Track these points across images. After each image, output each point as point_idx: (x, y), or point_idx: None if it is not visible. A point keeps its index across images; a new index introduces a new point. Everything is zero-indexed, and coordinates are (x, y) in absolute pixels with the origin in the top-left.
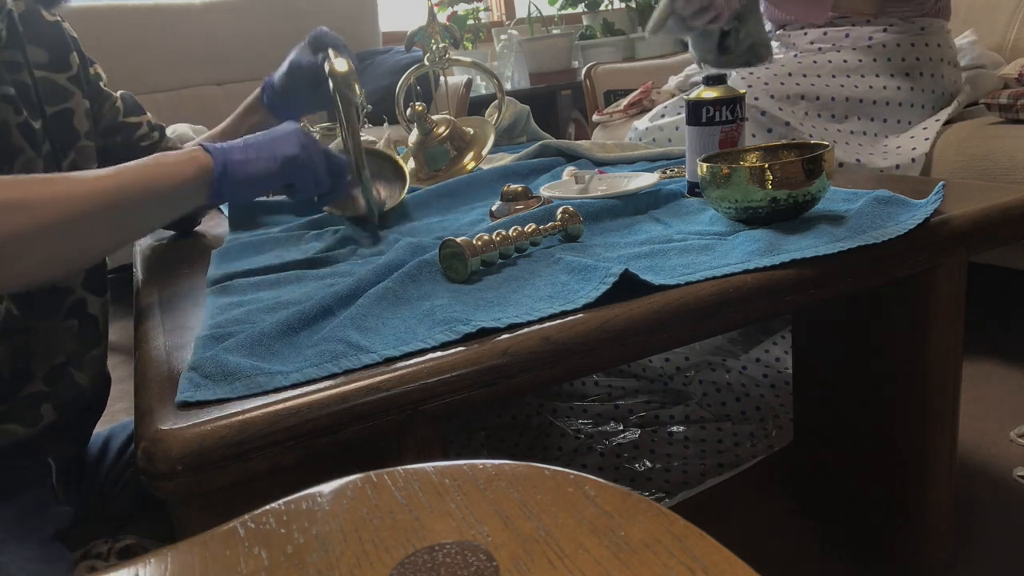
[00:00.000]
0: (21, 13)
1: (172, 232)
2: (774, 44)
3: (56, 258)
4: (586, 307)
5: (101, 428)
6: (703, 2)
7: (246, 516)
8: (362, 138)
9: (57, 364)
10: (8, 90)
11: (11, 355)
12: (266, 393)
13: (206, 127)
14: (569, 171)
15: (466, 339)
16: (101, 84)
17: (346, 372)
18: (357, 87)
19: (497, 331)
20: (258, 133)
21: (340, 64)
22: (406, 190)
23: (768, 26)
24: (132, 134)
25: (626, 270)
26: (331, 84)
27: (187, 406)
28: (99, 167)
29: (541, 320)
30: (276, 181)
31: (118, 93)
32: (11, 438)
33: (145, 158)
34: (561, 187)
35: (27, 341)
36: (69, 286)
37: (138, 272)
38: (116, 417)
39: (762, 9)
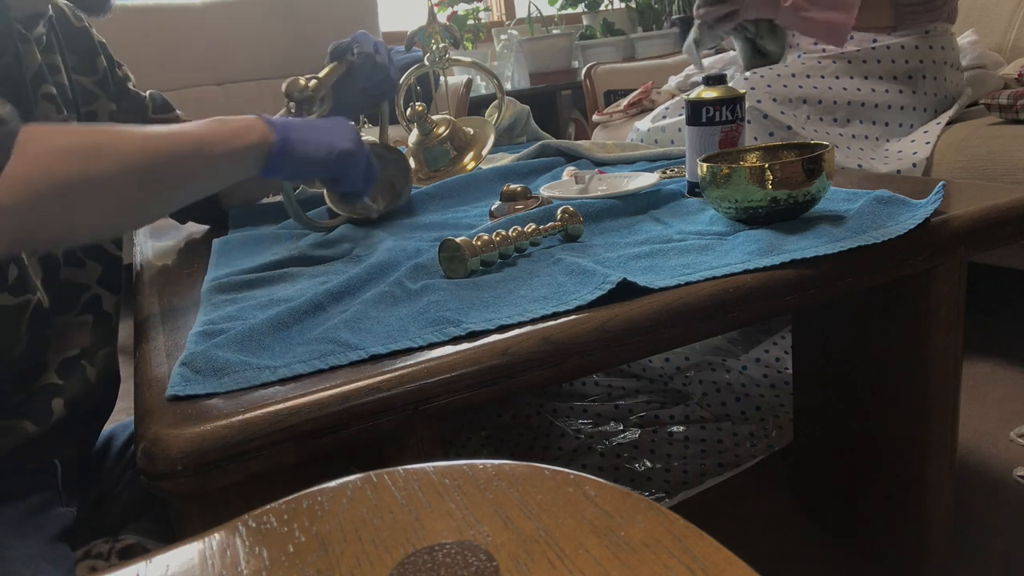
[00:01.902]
0: (55, 18)
1: (180, 223)
2: None
3: (121, 210)
4: (586, 307)
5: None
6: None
7: (246, 516)
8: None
9: (70, 357)
10: (50, 89)
11: (31, 346)
12: (255, 388)
13: None
14: (569, 171)
15: (461, 339)
16: (129, 85)
17: (333, 368)
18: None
19: (497, 331)
20: (313, 119)
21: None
22: (409, 190)
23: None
24: None
25: (624, 279)
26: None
27: (184, 404)
28: None
29: (541, 320)
30: (326, 170)
31: (147, 92)
32: (22, 437)
33: (207, 120)
34: (561, 187)
35: (46, 334)
36: (86, 282)
37: (138, 271)
38: (116, 417)
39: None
